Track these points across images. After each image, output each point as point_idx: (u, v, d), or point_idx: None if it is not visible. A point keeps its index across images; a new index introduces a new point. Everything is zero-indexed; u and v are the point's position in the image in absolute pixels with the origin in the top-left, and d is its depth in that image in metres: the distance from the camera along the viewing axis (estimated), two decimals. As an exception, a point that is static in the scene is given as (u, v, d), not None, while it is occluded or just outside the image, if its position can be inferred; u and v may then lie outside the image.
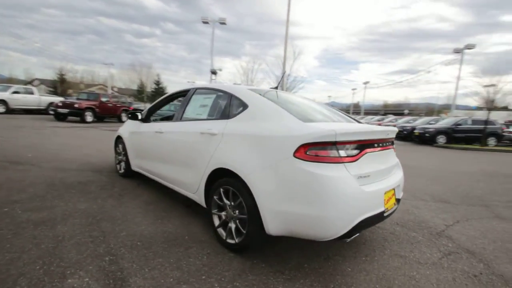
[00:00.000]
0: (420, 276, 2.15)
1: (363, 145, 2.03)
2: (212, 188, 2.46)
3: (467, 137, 13.89)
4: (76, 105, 13.27)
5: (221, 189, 2.36)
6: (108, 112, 15.30)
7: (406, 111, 47.13)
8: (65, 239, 2.33)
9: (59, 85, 36.55)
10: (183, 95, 3.33)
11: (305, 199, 1.85)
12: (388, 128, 2.27)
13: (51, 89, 36.25)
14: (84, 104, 13.62)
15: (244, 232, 2.17)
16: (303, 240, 2.14)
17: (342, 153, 1.89)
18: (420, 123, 16.88)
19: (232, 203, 2.28)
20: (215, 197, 2.44)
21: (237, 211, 2.26)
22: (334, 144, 1.87)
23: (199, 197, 2.67)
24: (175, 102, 4.83)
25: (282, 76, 3.47)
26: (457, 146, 13.33)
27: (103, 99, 14.86)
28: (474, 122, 14.14)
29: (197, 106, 3.03)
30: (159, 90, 51.31)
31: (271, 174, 1.99)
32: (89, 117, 13.79)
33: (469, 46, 17.70)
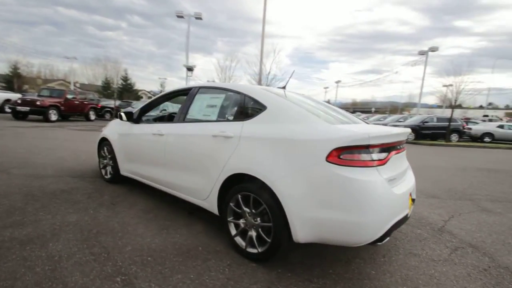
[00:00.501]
0: (438, 274, 2.21)
1: (389, 148, 2.01)
2: (228, 195, 2.31)
3: (433, 133, 14.95)
4: (38, 103, 12.08)
5: (239, 196, 2.23)
6: (74, 110, 14.15)
7: (373, 109, 49.69)
8: (62, 259, 2.05)
9: (15, 81, 33.06)
10: (184, 94, 3.11)
11: (340, 204, 1.79)
12: (406, 130, 2.29)
13: (3, 85, 32.70)
14: (48, 101, 12.44)
15: (269, 240, 2.06)
16: (318, 245, 2.08)
17: (374, 156, 1.86)
18: (390, 120, 17.84)
19: (253, 211, 2.15)
20: (231, 204, 2.29)
21: (258, 219, 2.14)
22: (367, 148, 1.83)
23: (210, 205, 2.50)
24: (167, 101, 4.53)
25: (291, 75, 3.44)
26: (424, 142, 14.30)
27: (69, 96, 13.70)
28: (439, 119, 15.27)
29: (203, 106, 2.83)
30: (127, 86, 48.53)
31: (300, 179, 1.90)
32: (53, 115, 12.64)
33: (433, 49, 19.13)
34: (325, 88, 41.70)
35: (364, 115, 24.44)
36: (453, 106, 15.17)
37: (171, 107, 9.01)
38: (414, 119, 15.90)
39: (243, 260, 2.20)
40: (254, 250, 2.16)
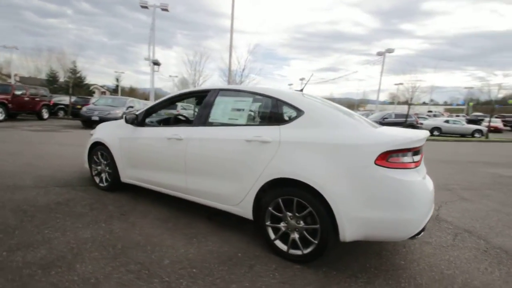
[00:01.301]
0: (453, 258, 2.50)
1: (419, 150, 2.21)
2: (265, 199, 2.32)
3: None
4: (-21, 100, 10.43)
5: (280, 200, 2.25)
6: (24, 108, 12.55)
7: (333, 105, 52.40)
8: (101, 281, 1.87)
9: None
10: (201, 96, 2.99)
11: (389, 204, 1.93)
12: (428, 133, 2.51)
13: None
14: (-9, 98, 10.81)
15: (315, 242, 2.13)
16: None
17: (415, 158, 2.03)
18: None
19: (297, 214, 2.20)
20: (270, 208, 2.31)
21: (301, 222, 2.20)
22: (409, 151, 2.00)
23: (244, 210, 2.48)
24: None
25: (309, 78, 3.40)
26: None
27: (18, 92, 12.07)
28: (397, 115, 16.80)
29: (227, 109, 2.76)
30: (76, 80, 44.02)
31: (349, 182, 1.99)
32: (-1, 114, 11.04)
33: (389, 50, 20.95)
34: (289, 85, 42.81)
35: None
36: (409, 103, 16.82)
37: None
38: (375, 116, 17.25)
39: (286, 263, 2.23)
40: (297, 252, 2.21)
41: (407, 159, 1.99)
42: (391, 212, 1.94)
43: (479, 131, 18.54)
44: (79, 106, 16.75)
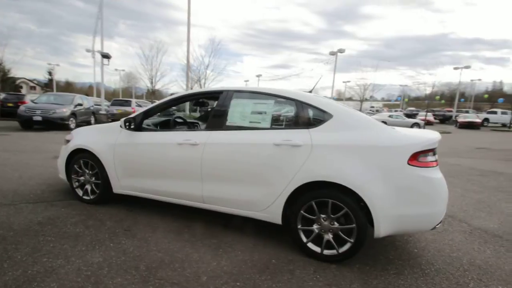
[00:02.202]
0: (451, 242, 2.83)
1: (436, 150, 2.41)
2: (297, 203, 2.31)
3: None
4: None
5: (313, 202, 2.27)
6: None
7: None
8: (143, 310, 1.66)
9: None
10: (212, 97, 2.82)
11: (420, 200, 2.10)
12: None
13: None
14: None
15: (352, 240, 2.20)
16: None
17: (436, 157, 2.24)
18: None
19: (331, 215, 2.24)
20: (302, 211, 2.31)
21: (335, 222, 2.25)
22: (432, 151, 2.19)
23: (271, 215, 2.44)
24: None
25: (318, 81, 3.35)
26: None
27: None
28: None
29: (247, 112, 2.65)
30: (-1, 73, 37.47)
31: (385, 182, 2.10)
32: None
33: (341, 50, 22.51)
34: (246, 81, 42.91)
35: None
36: (362, 100, 18.35)
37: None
38: None
39: (320, 264, 2.26)
40: (333, 252, 2.26)
41: (431, 158, 2.18)
42: (421, 207, 2.11)
43: (417, 124, 21.15)
44: (10, 104, 14.34)
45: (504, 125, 25.58)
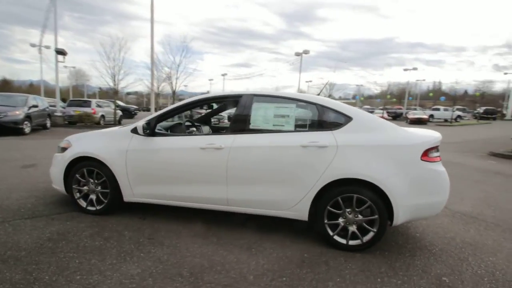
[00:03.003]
0: (442, 224, 3.24)
1: None
2: (323, 199, 2.49)
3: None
4: None
5: (339, 198, 2.47)
6: None
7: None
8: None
9: None
10: (231, 101, 2.86)
11: (434, 191, 2.43)
12: None
13: None
14: None
15: (375, 230, 2.45)
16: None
17: (439, 153, 2.59)
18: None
19: (356, 209, 2.47)
20: (329, 207, 2.50)
21: (359, 215, 2.48)
22: (437, 147, 2.53)
23: (298, 212, 2.58)
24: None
25: (325, 85, 3.40)
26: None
27: None
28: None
29: (269, 115, 2.73)
30: None
31: (403, 176, 2.38)
32: None
33: (306, 51, 23.52)
34: (210, 80, 42.19)
35: None
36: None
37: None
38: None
39: (347, 254, 2.47)
40: (357, 242, 2.49)
41: (436, 154, 2.52)
42: (431, 196, 2.45)
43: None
44: None
45: (446, 120, 29.09)
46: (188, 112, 3.96)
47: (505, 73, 33.77)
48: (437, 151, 2.54)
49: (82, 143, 3.09)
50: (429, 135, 2.57)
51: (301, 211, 2.58)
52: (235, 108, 2.84)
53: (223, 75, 41.48)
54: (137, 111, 24.98)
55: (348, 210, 2.49)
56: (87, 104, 15.11)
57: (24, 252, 2.25)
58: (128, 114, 21.25)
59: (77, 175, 3.03)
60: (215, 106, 4.09)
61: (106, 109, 16.23)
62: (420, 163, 2.41)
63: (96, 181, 3.00)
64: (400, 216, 2.42)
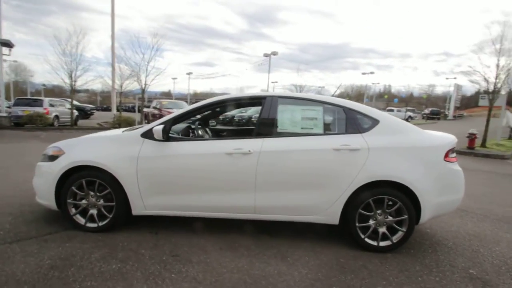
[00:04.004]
0: (444, 220, 3.47)
1: None
2: (357, 202, 2.48)
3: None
4: None
5: (371, 200, 2.49)
6: None
7: (216, 100, 53.92)
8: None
9: None
10: (251, 103, 2.69)
11: (454, 189, 2.57)
12: None
13: None
14: None
15: (404, 230, 2.50)
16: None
17: (455, 154, 2.76)
18: (251, 113, 20.65)
19: (387, 210, 2.50)
20: (360, 210, 2.50)
21: (389, 216, 2.52)
22: (453, 148, 2.69)
23: (329, 217, 2.54)
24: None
25: (338, 87, 3.27)
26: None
27: None
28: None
29: (296, 118, 2.63)
30: None
31: (429, 176, 2.48)
32: None
33: (274, 53, 23.83)
34: (174, 78, 40.21)
35: None
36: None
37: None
38: (251, 111, 19.40)
39: (380, 255, 2.49)
40: (387, 243, 2.53)
41: (453, 154, 2.68)
42: (452, 194, 2.59)
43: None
44: None
45: (401, 120, 31.90)
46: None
47: (447, 78, 38.08)
48: (453, 152, 2.70)
49: (79, 150, 2.67)
50: (448, 136, 2.73)
51: (332, 215, 2.54)
52: (239, 110, 2.70)
53: (188, 74, 40.02)
54: (93, 111, 22.85)
55: (378, 212, 2.52)
56: (38, 103, 13.34)
57: (27, 286, 1.85)
58: (83, 114, 19.36)
59: (73, 188, 2.60)
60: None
61: (60, 108, 14.52)
62: (443, 163, 2.53)
63: (98, 193, 2.62)
64: (426, 214, 2.51)
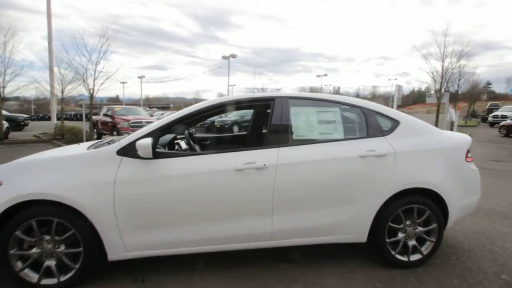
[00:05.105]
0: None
1: None
2: (386, 215, 2.18)
3: (247, 125, 18.66)
4: None
5: (400, 211, 2.21)
6: None
7: (171, 105, 51.41)
8: None
9: None
10: (258, 105, 2.23)
11: (474, 190, 2.44)
12: None
13: None
14: None
15: (434, 240, 2.28)
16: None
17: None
18: (232, 116, 19.84)
19: (417, 220, 2.25)
20: (389, 223, 2.21)
21: (418, 227, 2.28)
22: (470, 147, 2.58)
23: (358, 234, 2.21)
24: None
25: (338, 90, 2.90)
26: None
27: None
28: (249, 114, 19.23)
29: (313, 122, 2.22)
30: None
31: (453, 179, 2.29)
32: None
33: (233, 55, 23.35)
34: (123, 82, 36.55)
35: (169, 111, 24.44)
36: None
37: None
38: (234, 114, 18.86)
39: (411, 271, 2.23)
40: (418, 256, 2.28)
41: (470, 154, 2.56)
42: (473, 196, 2.46)
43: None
44: None
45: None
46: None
47: (389, 79, 41.88)
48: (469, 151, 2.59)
49: (25, 177, 1.89)
50: (463, 136, 2.60)
51: (360, 233, 2.21)
52: (250, 113, 2.25)
53: (140, 77, 37.11)
54: (28, 121, 19.70)
55: (407, 223, 2.26)
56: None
57: None
58: (15, 125, 16.51)
59: (18, 233, 1.83)
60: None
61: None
62: (465, 164, 2.39)
63: (56, 237, 1.88)
64: (452, 219, 2.34)
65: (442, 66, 10.21)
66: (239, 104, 2.39)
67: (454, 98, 14.53)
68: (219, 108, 2.29)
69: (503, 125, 13.78)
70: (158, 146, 2.16)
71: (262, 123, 2.92)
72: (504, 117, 17.58)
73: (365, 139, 2.26)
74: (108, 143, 2.24)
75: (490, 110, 23.73)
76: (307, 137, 2.22)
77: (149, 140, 1.86)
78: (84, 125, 10.40)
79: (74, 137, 10.65)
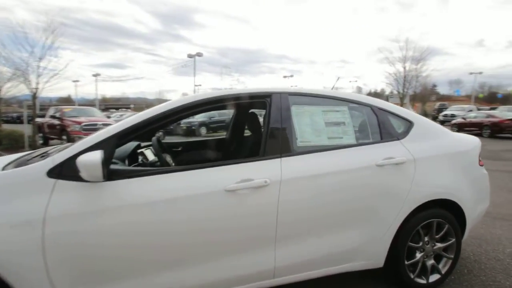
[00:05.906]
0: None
1: None
2: (405, 233, 1.85)
3: (217, 126, 17.98)
4: None
5: (420, 228, 1.89)
6: None
7: (132, 106, 48.20)
8: None
9: None
10: (249, 103, 1.74)
11: (486, 196, 2.23)
12: None
13: None
14: None
15: (452, 256, 2.00)
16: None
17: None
18: (200, 117, 18.81)
19: (436, 236, 1.95)
20: (409, 242, 1.88)
21: (436, 243, 1.98)
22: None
23: (375, 260, 1.84)
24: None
25: (336, 82, 2.45)
26: (216, 134, 16.84)
27: None
28: (220, 114, 18.50)
29: (319, 124, 1.77)
30: None
31: (470, 185, 2.05)
32: None
33: (199, 54, 22.31)
34: (75, 81, 32.82)
35: (131, 112, 22.89)
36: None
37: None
38: (203, 115, 18.05)
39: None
40: (436, 277, 1.99)
41: (480, 157, 2.35)
42: (484, 203, 2.25)
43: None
44: None
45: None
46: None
47: (350, 81, 43.58)
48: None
49: None
50: (473, 138, 2.38)
51: (377, 257, 1.85)
52: (240, 114, 1.76)
53: (95, 75, 33.79)
54: None
55: (426, 240, 1.95)
56: None
57: None
58: None
59: None
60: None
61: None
62: (479, 169, 2.16)
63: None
64: (468, 231, 2.09)
65: (404, 68, 10.71)
66: (226, 102, 1.86)
67: (413, 98, 15.48)
68: (200, 107, 1.72)
69: (455, 123, 14.96)
70: (114, 160, 1.55)
71: (249, 125, 2.42)
72: (453, 116, 19.24)
73: (380, 144, 1.89)
74: (42, 156, 1.59)
75: (439, 110, 25.97)
76: (314, 143, 1.77)
77: (97, 155, 1.25)
78: (26, 129, 8.94)
79: (14, 143, 9.16)
